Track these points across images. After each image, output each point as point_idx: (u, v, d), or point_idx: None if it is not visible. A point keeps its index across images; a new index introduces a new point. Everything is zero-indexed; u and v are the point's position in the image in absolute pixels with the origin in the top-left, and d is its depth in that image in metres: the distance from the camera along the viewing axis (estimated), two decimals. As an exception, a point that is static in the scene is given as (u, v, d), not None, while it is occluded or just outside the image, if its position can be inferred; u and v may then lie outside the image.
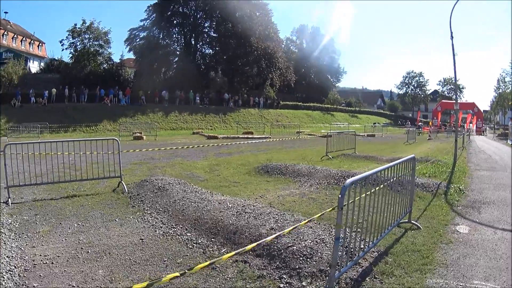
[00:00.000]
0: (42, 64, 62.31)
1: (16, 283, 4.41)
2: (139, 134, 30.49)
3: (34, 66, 61.68)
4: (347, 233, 4.53)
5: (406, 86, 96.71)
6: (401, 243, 5.76)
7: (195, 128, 42.04)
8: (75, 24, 48.13)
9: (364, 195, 4.57)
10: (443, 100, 71.59)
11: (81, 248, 5.48)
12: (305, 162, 14.59)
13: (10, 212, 7.40)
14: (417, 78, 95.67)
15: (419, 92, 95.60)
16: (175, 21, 53.85)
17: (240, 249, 4.52)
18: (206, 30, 57.04)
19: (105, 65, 51.21)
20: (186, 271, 3.94)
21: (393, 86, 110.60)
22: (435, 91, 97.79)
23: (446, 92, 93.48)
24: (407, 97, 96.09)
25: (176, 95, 47.95)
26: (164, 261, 5.07)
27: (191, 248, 5.55)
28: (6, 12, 69.56)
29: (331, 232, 5.69)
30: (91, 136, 32.79)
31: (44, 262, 4.99)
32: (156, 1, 52.80)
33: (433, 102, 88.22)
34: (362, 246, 4.82)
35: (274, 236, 5.08)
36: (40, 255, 5.22)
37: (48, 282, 4.45)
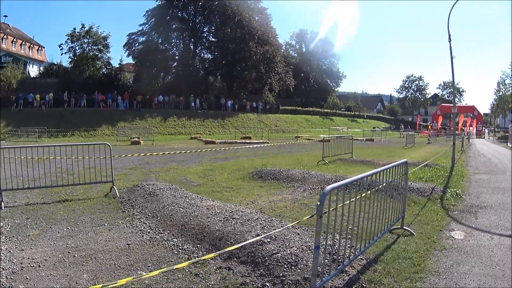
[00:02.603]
0: (41, 68, 62.47)
1: (2, 285, 4.53)
2: (136, 139, 30.54)
3: (33, 70, 62.03)
4: (334, 240, 4.47)
5: (406, 90, 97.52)
6: (392, 250, 5.65)
7: (194, 133, 42.18)
8: (74, 29, 48.63)
9: (348, 202, 4.44)
10: (442, 104, 71.58)
11: (68, 252, 5.58)
12: (300, 167, 14.55)
13: (3, 215, 7.53)
14: (416, 82, 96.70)
15: (419, 96, 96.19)
16: (174, 26, 54.04)
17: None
18: (205, 35, 57.50)
19: (104, 70, 51.44)
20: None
21: (393, 90, 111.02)
22: (435, 95, 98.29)
23: (446, 96, 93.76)
24: (407, 101, 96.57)
25: (172, 99, 48.03)
26: (148, 266, 5.12)
27: (177, 254, 5.60)
28: (5, 16, 69.70)
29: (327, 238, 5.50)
30: (89, 140, 32.76)
31: (32, 265, 5.10)
32: (155, 5, 53.19)
33: (433, 105, 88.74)
34: (349, 254, 4.70)
35: (238, 245, 5.10)
36: (28, 258, 5.33)
37: (34, 285, 4.55)
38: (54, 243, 5.97)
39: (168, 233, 6.50)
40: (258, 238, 5.37)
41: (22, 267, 5.05)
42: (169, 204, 8.05)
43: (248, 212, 7.37)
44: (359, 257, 5.05)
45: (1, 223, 6.94)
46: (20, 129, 30.58)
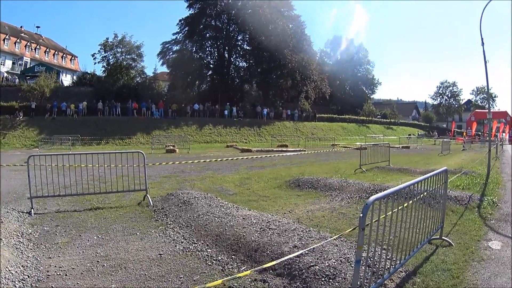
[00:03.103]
0: (74, 77, 64.58)
1: None
2: (172, 147, 30.86)
3: (66, 80, 64.57)
4: (375, 252, 4.37)
5: (440, 96, 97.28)
6: (431, 261, 5.50)
7: (230, 141, 42.45)
8: (107, 38, 49.73)
9: (390, 212, 4.36)
10: (476, 110, 70.24)
11: (97, 261, 5.51)
12: (338, 175, 14.34)
13: (32, 222, 7.62)
14: (450, 88, 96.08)
15: (453, 102, 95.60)
16: (207, 35, 54.85)
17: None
18: (240, 43, 58.07)
19: (138, 79, 52.51)
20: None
21: (427, 97, 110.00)
22: (469, 101, 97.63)
23: (479, 101, 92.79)
24: (441, 107, 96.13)
25: (207, 107, 48.64)
26: (180, 277, 4.99)
27: (210, 265, 5.45)
28: (38, 27, 73.11)
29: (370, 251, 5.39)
30: (124, 148, 33.45)
31: (58, 273, 5.06)
32: (188, 14, 53.96)
33: (467, 112, 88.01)
34: (388, 266, 4.57)
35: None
36: (55, 266, 5.30)
37: None
38: (83, 252, 5.91)
39: (202, 243, 6.35)
40: (298, 252, 5.18)
41: (48, 275, 5.02)
42: (204, 213, 7.90)
43: (285, 222, 7.16)
44: (398, 269, 4.93)
45: (30, 230, 6.97)
46: (53, 137, 31.36)
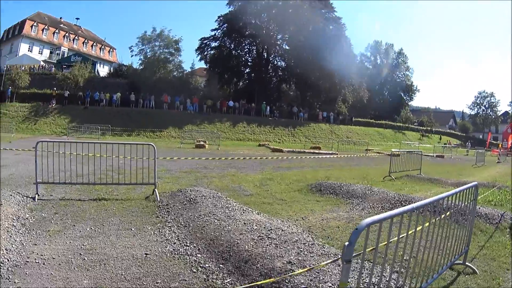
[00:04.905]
0: (111, 68, 66.54)
1: (1, 275, 4.53)
2: (202, 142, 31.12)
3: (104, 70, 67.18)
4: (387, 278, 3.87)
5: (478, 107, 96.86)
6: None
7: (263, 140, 42.58)
8: (145, 31, 51.24)
9: (396, 238, 3.80)
10: None
11: (80, 253, 5.41)
12: (365, 181, 13.87)
13: (32, 207, 7.70)
14: (488, 99, 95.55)
15: (490, 113, 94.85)
16: (246, 32, 55.07)
17: None
18: (279, 43, 58.25)
19: (175, 73, 53.55)
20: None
21: (465, 106, 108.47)
22: (506, 112, 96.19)
23: None
24: (478, 118, 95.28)
25: (242, 104, 49.24)
26: (157, 283, 4.71)
27: (195, 272, 5.12)
28: (77, 19, 76.55)
29: (362, 272, 4.65)
30: (154, 141, 33.68)
31: (37, 261, 5.04)
32: (227, 11, 54.77)
33: (504, 123, 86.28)
34: None
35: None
36: (37, 253, 5.29)
37: (30, 282, 4.46)
38: (70, 242, 5.86)
39: (194, 246, 6.06)
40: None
41: (27, 261, 5.02)
42: (206, 213, 7.64)
43: (289, 231, 6.67)
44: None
45: (27, 215, 7.08)
46: (83, 125, 32.46)
